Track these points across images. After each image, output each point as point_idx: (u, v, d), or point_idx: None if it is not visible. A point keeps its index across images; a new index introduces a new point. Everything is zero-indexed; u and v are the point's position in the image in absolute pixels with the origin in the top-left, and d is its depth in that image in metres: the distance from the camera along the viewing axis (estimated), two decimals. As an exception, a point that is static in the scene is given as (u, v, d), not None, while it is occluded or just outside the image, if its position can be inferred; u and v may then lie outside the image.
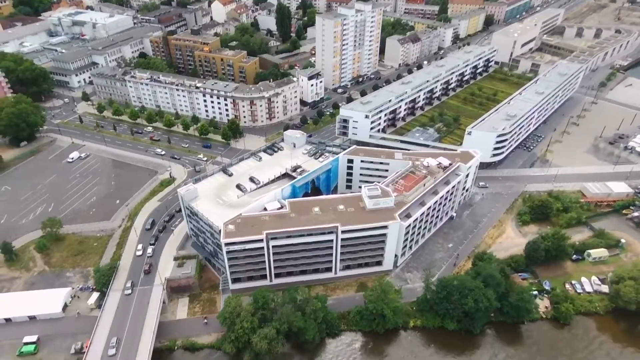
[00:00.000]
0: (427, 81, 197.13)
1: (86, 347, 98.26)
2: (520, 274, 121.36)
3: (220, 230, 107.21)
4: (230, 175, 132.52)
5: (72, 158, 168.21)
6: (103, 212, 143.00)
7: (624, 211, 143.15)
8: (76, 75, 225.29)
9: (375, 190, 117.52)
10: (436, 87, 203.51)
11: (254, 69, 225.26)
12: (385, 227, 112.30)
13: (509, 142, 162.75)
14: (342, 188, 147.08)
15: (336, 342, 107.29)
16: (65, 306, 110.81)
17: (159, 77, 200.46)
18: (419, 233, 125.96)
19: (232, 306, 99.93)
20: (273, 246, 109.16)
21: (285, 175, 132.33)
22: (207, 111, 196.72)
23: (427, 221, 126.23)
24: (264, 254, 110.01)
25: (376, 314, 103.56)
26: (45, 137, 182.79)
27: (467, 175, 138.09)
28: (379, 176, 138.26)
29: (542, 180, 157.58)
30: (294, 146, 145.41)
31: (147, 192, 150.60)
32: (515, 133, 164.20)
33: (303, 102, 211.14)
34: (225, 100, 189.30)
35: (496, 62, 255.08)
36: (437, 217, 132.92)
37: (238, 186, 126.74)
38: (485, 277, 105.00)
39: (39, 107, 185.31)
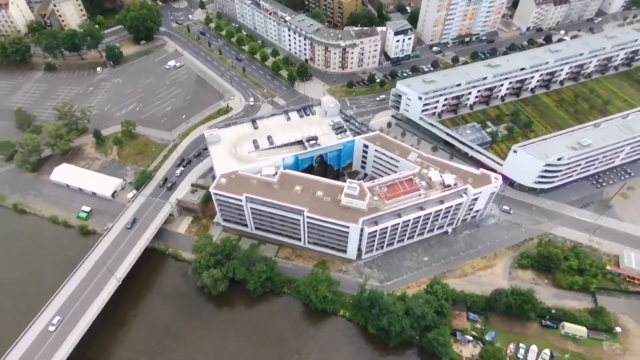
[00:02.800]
0: (522, 69, 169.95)
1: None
2: (470, 314, 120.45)
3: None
4: (256, 128, 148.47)
5: (169, 65, 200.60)
6: (169, 123, 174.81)
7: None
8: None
9: (353, 189, 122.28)
10: (533, 76, 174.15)
11: (355, 6, 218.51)
12: (347, 226, 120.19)
13: (565, 174, 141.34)
14: (357, 166, 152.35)
15: (278, 300, 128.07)
16: (114, 192, 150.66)
17: (259, 1, 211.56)
18: (393, 238, 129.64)
19: (200, 242, 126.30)
20: (251, 207, 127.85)
21: (299, 142, 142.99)
22: (290, 45, 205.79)
23: (404, 231, 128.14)
24: (244, 210, 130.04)
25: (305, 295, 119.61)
26: (160, 39, 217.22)
27: (476, 199, 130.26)
28: (389, 169, 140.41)
29: (581, 227, 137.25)
30: (325, 114, 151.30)
31: (205, 115, 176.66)
32: (579, 166, 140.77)
33: (387, 55, 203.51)
34: (305, 40, 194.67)
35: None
36: (425, 228, 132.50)
37: (254, 141, 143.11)
38: (407, 307, 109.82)
39: (159, 14, 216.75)
